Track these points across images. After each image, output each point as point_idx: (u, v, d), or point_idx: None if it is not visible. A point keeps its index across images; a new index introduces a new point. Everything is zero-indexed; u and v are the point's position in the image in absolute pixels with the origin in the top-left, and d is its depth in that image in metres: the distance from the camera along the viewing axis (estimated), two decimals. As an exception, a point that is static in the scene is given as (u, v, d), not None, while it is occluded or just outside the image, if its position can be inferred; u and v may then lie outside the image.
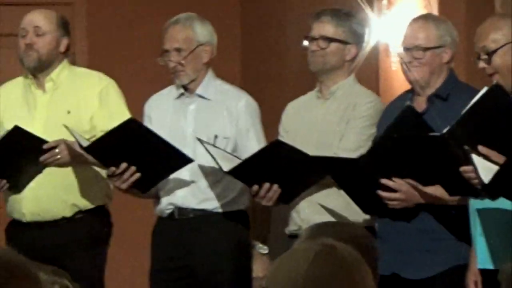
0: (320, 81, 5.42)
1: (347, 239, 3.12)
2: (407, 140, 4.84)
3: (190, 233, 5.58)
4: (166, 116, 5.68)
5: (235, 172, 5.22)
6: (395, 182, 4.88)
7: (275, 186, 5.20)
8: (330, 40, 5.34)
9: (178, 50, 5.49)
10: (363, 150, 5.19)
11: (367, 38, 6.02)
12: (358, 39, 5.44)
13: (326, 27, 5.37)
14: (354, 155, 5.19)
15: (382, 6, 6.91)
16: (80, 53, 8.45)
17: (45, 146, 5.31)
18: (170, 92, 5.67)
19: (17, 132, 5.30)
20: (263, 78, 7.68)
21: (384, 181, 4.88)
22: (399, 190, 4.87)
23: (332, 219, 5.21)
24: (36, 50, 5.49)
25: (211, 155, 5.22)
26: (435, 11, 6.37)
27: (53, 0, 8.48)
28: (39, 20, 5.54)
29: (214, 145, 5.34)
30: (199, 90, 5.54)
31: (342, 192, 5.21)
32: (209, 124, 5.59)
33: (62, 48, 5.56)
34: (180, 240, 5.59)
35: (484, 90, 4.57)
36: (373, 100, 5.49)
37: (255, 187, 5.22)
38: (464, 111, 4.56)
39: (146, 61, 7.69)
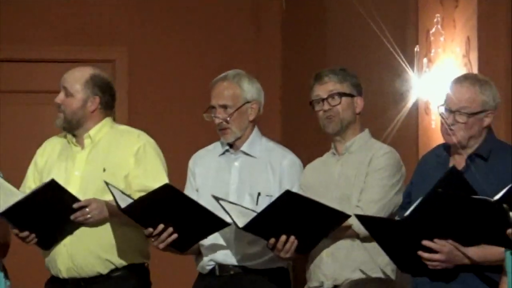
0: (336, 140, 5.39)
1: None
2: (456, 200, 4.73)
3: None
4: (210, 172, 5.72)
5: (250, 227, 5.18)
6: (437, 244, 4.80)
7: (292, 238, 5.16)
8: (340, 95, 5.32)
9: (225, 107, 5.51)
10: (385, 201, 5.29)
11: (408, 96, 5.97)
12: (360, 91, 5.44)
13: (332, 85, 5.37)
14: (377, 207, 5.26)
15: (423, 65, 6.84)
16: (120, 109, 8.42)
17: (75, 206, 5.32)
18: (215, 148, 5.72)
19: (53, 186, 5.31)
20: (303, 133, 7.66)
21: (426, 242, 4.80)
22: (441, 251, 4.80)
23: (355, 274, 5.25)
24: (63, 111, 5.55)
25: (226, 211, 5.21)
26: (475, 70, 6.26)
27: (95, 58, 8.48)
28: (67, 80, 5.60)
29: (230, 202, 5.35)
30: (244, 147, 5.56)
31: (366, 244, 5.27)
32: (252, 181, 5.60)
33: (91, 107, 5.55)
34: None
35: None
36: (389, 151, 5.47)
37: (272, 240, 5.18)
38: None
39: (186, 117, 7.67)
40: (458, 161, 5.11)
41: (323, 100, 5.36)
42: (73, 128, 5.57)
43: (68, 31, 9.03)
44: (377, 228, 4.99)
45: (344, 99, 5.35)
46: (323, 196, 5.34)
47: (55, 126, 5.67)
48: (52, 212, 5.33)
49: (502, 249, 4.71)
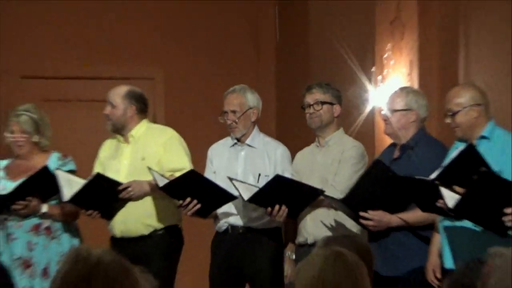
0: (317, 135, 5.53)
1: (350, 247, 3.22)
2: (401, 180, 4.98)
3: (240, 244, 5.70)
4: (223, 159, 5.88)
5: (253, 199, 5.38)
6: (370, 214, 5.07)
7: (283, 207, 5.33)
8: (322, 103, 5.44)
9: (234, 112, 5.66)
10: (352, 181, 5.34)
11: (367, 104, 6.07)
12: (339, 100, 5.56)
13: (317, 95, 5.49)
14: (345, 185, 5.37)
15: (378, 81, 6.95)
16: (159, 117, 8.53)
17: (119, 188, 5.42)
18: (226, 142, 5.87)
19: (100, 177, 5.49)
20: (296, 131, 7.63)
21: (361, 213, 5.09)
22: (372, 219, 5.07)
23: (329, 232, 5.34)
24: (111, 119, 5.65)
25: (236, 188, 5.40)
26: (415, 85, 6.37)
27: (136, 75, 8.47)
28: (110, 96, 5.68)
29: (239, 180, 5.52)
30: (248, 141, 5.73)
31: (338, 212, 5.40)
32: (254, 165, 5.78)
33: (130, 113, 5.63)
34: (232, 249, 5.72)
35: (459, 150, 4.74)
36: (357, 145, 5.67)
37: (269, 209, 5.37)
38: (446, 164, 4.73)
39: (209, 121, 7.68)
40: (396, 151, 5.29)
41: (310, 105, 5.54)
42: (119, 130, 5.66)
43: (115, 52, 8.94)
44: (340, 202, 5.25)
45: (325, 106, 5.53)
46: (308, 177, 5.58)
47: (108, 130, 5.79)
48: (105, 194, 5.43)
49: (426, 214, 4.99)
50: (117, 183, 5.45)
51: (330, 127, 5.58)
